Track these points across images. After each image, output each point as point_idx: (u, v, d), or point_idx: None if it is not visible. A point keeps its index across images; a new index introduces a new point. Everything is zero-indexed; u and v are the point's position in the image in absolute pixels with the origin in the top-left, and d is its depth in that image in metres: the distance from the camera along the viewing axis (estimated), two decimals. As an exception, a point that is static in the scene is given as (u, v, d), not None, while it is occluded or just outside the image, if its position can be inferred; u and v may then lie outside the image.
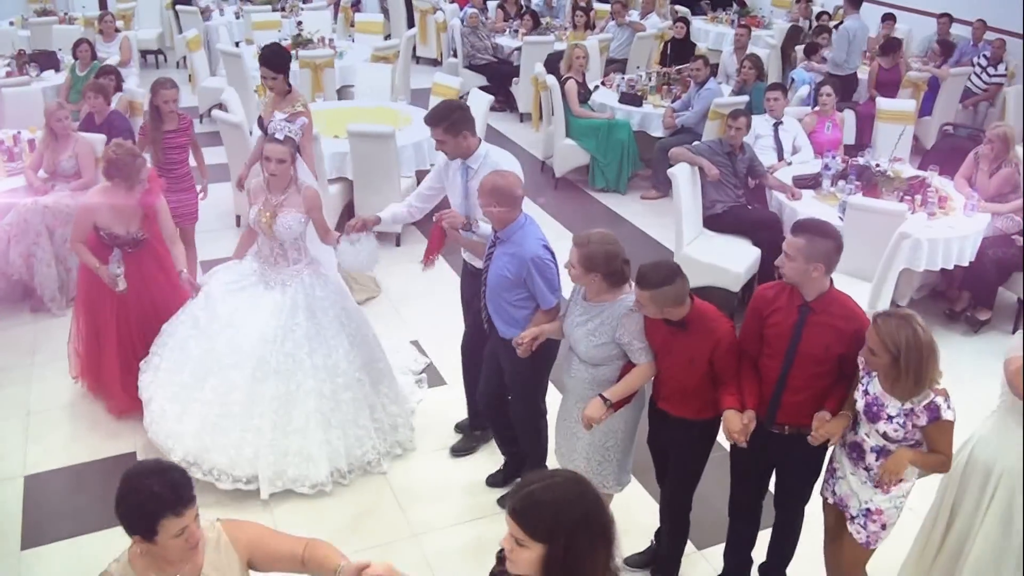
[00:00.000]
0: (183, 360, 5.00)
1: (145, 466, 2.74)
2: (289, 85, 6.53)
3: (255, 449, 4.86)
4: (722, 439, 4.18)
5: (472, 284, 5.03)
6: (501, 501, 5.02)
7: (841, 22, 12.80)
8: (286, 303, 4.94)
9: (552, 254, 4.47)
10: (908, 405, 3.50)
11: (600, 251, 3.93)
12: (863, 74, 11.14)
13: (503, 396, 4.90)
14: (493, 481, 5.21)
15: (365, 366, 5.17)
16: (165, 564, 2.76)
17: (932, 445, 3.58)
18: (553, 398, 4.80)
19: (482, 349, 5.04)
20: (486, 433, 5.51)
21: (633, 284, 4.03)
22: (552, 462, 4.85)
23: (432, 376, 6.15)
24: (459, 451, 5.46)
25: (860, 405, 3.64)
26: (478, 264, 4.90)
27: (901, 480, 3.69)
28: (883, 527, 3.78)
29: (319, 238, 5.09)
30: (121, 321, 5.50)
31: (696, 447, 4.14)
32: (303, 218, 4.91)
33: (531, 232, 4.45)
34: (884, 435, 3.58)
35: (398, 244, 8.10)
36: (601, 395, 4.01)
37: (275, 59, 6.42)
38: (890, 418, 3.54)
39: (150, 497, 2.62)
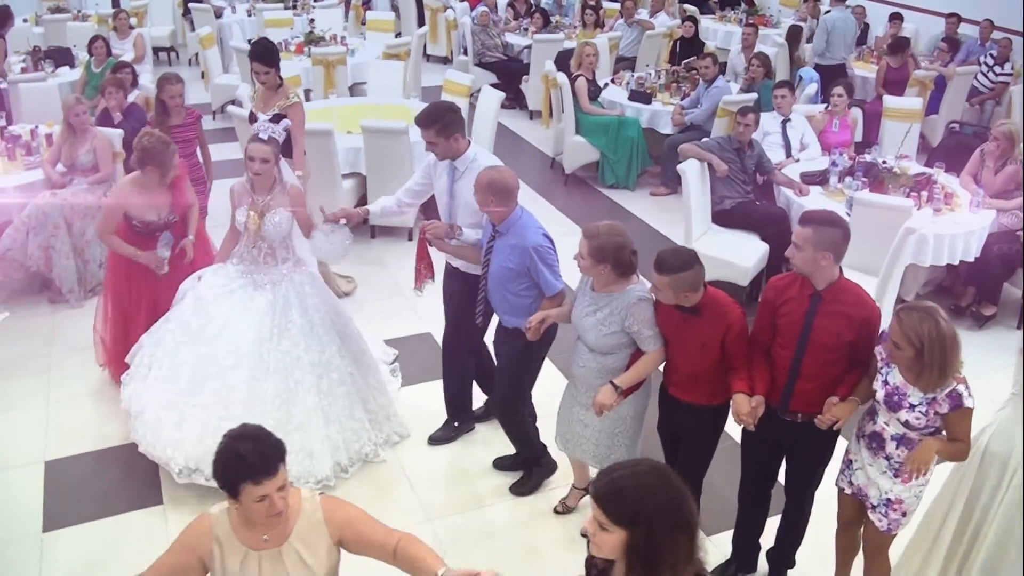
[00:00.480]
0: (177, 367, 4.96)
1: (246, 430, 2.86)
2: (280, 79, 6.60)
3: None
4: (731, 429, 4.28)
5: (452, 282, 5.15)
6: (513, 489, 5.13)
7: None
8: (278, 302, 4.96)
9: (551, 241, 4.57)
10: (931, 394, 3.58)
11: (610, 243, 4.01)
12: (863, 71, 11.25)
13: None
14: (501, 464, 5.31)
15: (355, 360, 5.23)
16: (252, 523, 2.88)
17: (952, 433, 3.65)
18: (551, 384, 4.88)
19: (461, 343, 5.23)
20: (465, 425, 5.59)
21: (639, 275, 4.15)
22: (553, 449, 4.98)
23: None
24: (437, 440, 5.52)
25: (880, 395, 3.71)
26: (456, 263, 5.03)
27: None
28: (903, 514, 3.86)
29: (303, 234, 5.11)
30: (150, 309, 5.57)
31: (707, 432, 4.25)
32: (290, 215, 4.93)
33: (529, 223, 4.55)
34: (906, 424, 3.65)
35: (410, 239, 8.18)
36: (612, 382, 4.10)
37: (266, 53, 6.48)
38: (912, 407, 3.61)
39: (235, 461, 2.75)
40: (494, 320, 4.95)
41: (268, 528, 2.90)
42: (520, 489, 5.13)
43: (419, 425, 5.61)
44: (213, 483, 4.68)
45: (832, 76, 10.50)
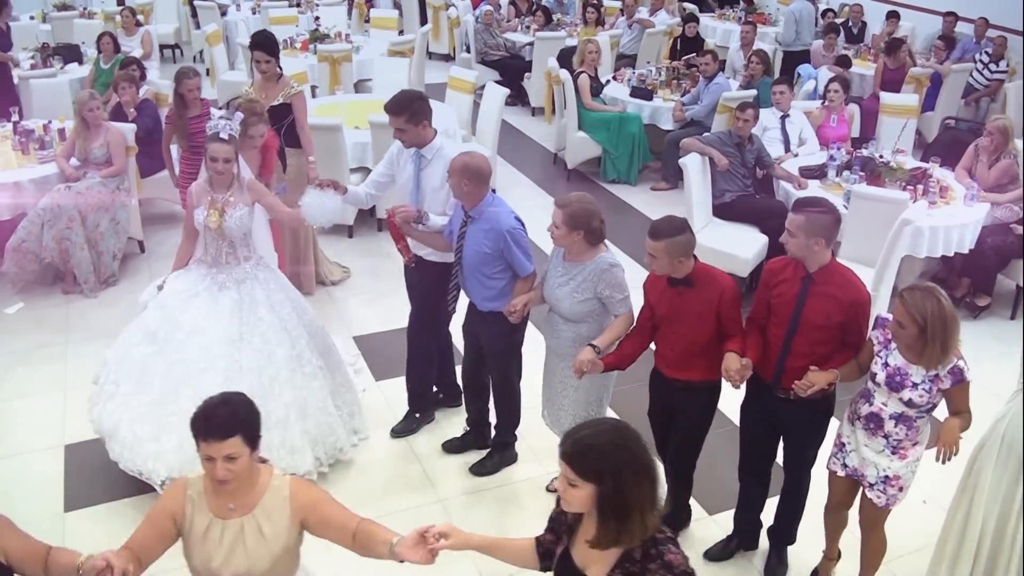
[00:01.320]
0: (148, 379, 4.84)
1: (229, 395, 3.01)
2: (280, 69, 6.73)
3: None
4: (731, 413, 4.43)
5: (415, 272, 5.24)
6: (474, 469, 5.29)
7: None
8: (244, 300, 4.93)
9: (522, 223, 4.75)
10: (933, 371, 3.74)
11: (582, 210, 4.24)
12: (861, 68, 11.43)
13: (482, 371, 5.18)
14: (451, 447, 5.48)
15: (323, 355, 5.22)
16: (217, 489, 3.00)
17: (955, 405, 3.82)
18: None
19: (429, 333, 5.36)
20: (427, 414, 5.68)
21: (607, 244, 4.38)
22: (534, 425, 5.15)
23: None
24: (400, 432, 5.60)
25: (881, 377, 3.85)
26: (421, 251, 5.13)
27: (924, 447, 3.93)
28: (900, 489, 4.02)
29: (283, 217, 5.15)
30: None
31: (703, 411, 4.40)
32: (250, 211, 4.91)
33: (502, 207, 4.73)
34: (908, 402, 3.80)
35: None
36: (591, 344, 4.29)
37: (267, 43, 6.63)
38: (915, 385, 3.77)
39: (199, 415, 2.91)
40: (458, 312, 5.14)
41: (229, 497, 3.00)
42: (481, 469, 5.28)
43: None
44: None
45: (800, 62, 11.21)
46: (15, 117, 8.13)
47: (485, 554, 3.05)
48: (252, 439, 2.95)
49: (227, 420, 2.89)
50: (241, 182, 4.94)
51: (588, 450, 2.55)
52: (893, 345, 3.84)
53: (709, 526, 4.88)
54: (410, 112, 4.85)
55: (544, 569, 2.92)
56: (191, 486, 3.05)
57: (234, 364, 4.83)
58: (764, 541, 4.70)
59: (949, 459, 3.78)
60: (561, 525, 2.82)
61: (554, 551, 2.84)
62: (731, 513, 4.75)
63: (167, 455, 4.75)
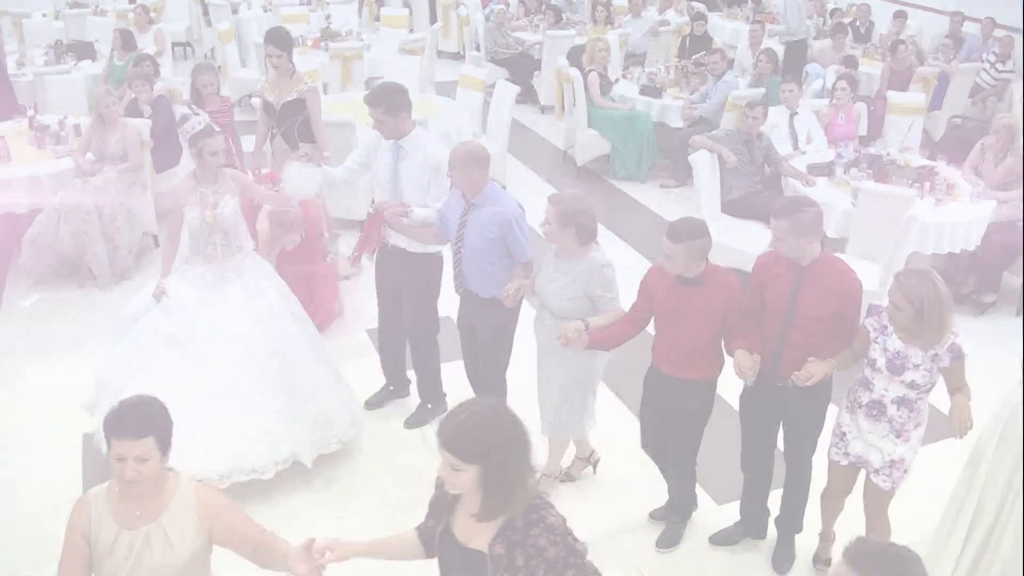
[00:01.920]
0: (174, 384, 4.69)
1: (146, 397, 2.99)
2: (292, 65, 6.82)
3: (285, 426, 4.94)
4: (735, 403, 4.51)
5: (391, 265, 5.33)
6: None
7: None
8: (250, 287, 5.03)
9: (523, 210, 4.85)
10: (932, 351, 3.84)
11: (573, 207, 4.32)
12: (868, 67, 11.48)
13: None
14: None
15: (318, 334, 5.37)
16: (124, 495, 2.96)
17: (955, 382, 3.92)
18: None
19: (395, 323, 5.47)
20: (439, 405, 5.74)
21: (599, 243, 4.45)
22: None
23: (453, 350, 6.39)
24: (413, 423, 5.70)
25: (881, 363, 3.94)
26: (402, 243, 5.21)
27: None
28: (904, 472, 4.11)
29: (268, 200, 5.33)
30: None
31: (702, 408, 4.45)
32: (237, 200, 5.02)
33: (503, 193, 4.86)
34: (911, 384, 3.90)
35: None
36: (581, 319, 4.32)
37: (280, 38, 6.73)
38: (916, 366, 3.87)
39: (114, 413, 2.90)
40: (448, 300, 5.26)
41: (136, 503, 2.96)
42: None
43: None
44: (253, 475, 4.86)
45: (801, 51, 11.40)
46: (31, 112, 8.23)
47: (372, 557, 3.10)
48: (164, 443, 2.93)
49: (142, 420, 2.88)
50: (223, 173, 5.03)
51: (468, 433, 2.61)
52: (890, 329, 3.93)
53: (717, 516, 4.94)
54: (388, 104, 4.97)
55: (431, 556, 2.94)
56: (95, 501, 3.01)
57: (259, 349, 4.95)
58: (772, 530, 4.75)
59: (965, 434, 3.88)
60: (441, 507, 2.87)
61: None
62: (738, 504, 4.80)
63: (220, 452, 4.79)
